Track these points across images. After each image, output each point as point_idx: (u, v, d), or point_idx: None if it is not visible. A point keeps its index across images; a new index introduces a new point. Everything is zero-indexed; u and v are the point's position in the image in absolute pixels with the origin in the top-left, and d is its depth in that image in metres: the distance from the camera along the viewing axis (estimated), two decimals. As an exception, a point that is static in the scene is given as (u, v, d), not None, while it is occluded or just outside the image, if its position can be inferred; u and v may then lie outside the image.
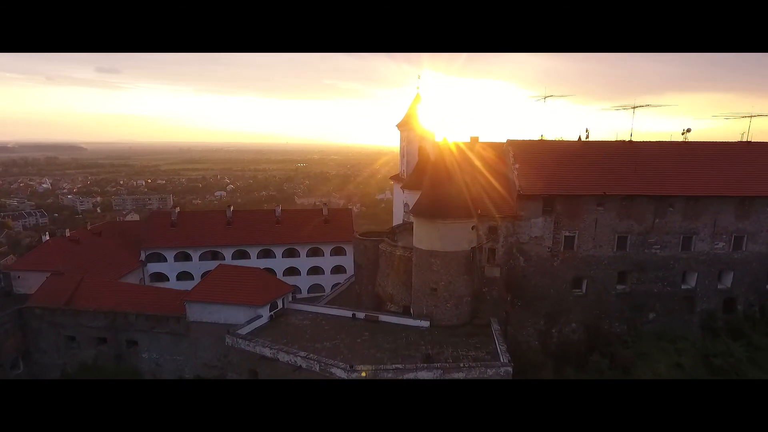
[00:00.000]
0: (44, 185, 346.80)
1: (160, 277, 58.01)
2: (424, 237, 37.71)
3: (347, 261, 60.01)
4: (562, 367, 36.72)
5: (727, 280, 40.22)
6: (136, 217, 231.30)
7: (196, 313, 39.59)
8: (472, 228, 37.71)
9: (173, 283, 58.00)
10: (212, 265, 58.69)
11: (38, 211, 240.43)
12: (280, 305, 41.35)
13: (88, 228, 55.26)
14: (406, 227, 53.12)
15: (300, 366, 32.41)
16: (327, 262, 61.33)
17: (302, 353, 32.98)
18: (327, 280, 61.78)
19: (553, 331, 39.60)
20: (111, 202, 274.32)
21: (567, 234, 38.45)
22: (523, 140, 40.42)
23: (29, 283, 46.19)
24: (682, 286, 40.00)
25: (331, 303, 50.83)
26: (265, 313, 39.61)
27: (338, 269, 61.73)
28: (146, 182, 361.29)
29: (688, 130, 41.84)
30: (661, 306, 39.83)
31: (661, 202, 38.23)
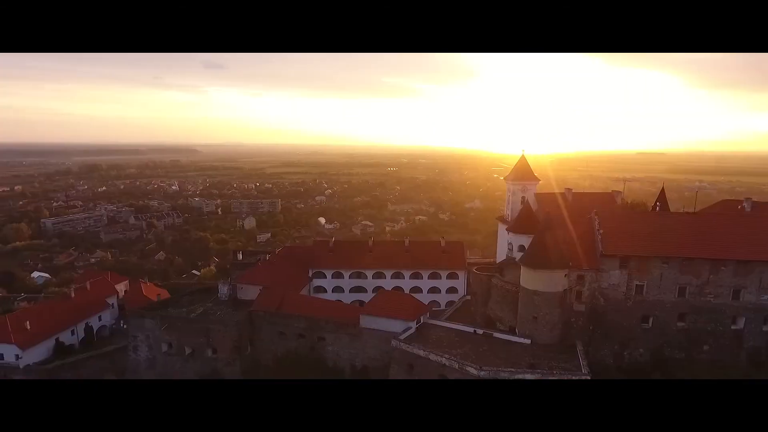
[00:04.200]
0: (173, 187, 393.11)
1: (320, 289, 78.69)
2: (529, 280, 53.45)
3: (459, 284, 76.92)
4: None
5: (772, 324, 51.51)
6: (252, 220, 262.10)
7: (366, 322, 58.57)
8: (565, 275, 52.76)
9: (329, 295, 78.37)
10: (358, 282, 78.72)
11: (174, 212, 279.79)
12: (422, 320, 59.17)
13: (277, 252, 77.58)
14: (510, 263, 68.64)
15: (445, 364, 49.75)
16: (443, 284, 78.55)
17: (446, 355, 50.29)
18: (442, 298, 79.01)
19: (624, 353, 53.46)
20: (230, 205, 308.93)
21: (638, 283, 52.15)
22: (608, 211, 54.65)
23: (247, 293, 68.46)
24: (732, 327, 52.01)
25: (451, 318, 67.93)
26: (413, 325, 57.57)
27: (451, 290, 78.72)
28: (255, 185, 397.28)
29: None
30: (714, 341, 52.14)
31: (716, 262, 50.61)
